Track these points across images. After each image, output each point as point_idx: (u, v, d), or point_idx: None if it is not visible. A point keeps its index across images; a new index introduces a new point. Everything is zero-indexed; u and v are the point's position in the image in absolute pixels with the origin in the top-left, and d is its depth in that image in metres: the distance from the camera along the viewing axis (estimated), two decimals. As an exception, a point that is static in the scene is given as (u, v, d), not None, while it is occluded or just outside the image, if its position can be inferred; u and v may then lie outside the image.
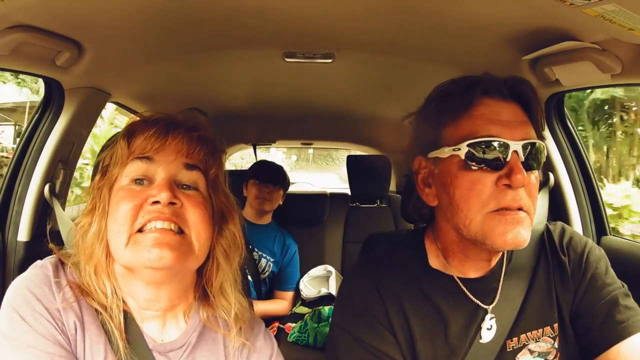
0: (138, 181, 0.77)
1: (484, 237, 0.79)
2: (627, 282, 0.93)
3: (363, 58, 1.62)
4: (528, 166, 0.80)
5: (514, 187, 0.77)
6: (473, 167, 0.79)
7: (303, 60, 1.57)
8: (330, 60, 1.56)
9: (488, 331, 0.87)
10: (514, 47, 1.26)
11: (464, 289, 0.89)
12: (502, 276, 0.91)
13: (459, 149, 0.79)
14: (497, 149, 0.78)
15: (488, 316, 0.88)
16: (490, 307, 0.88)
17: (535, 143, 0.81)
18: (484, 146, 0.78)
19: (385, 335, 0.86)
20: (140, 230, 0.73)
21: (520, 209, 0.78)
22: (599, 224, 1.56)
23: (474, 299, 0.89)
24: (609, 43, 1.08)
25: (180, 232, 0.75)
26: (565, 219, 1.56)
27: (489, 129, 0.79)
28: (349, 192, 2.96)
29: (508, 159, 0.78)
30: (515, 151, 0.78)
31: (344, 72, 1.77)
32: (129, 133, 0.80)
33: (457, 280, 0.89)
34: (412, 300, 0.88)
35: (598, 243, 1.54)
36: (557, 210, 1.56)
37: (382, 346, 0.85)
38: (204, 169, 0.81)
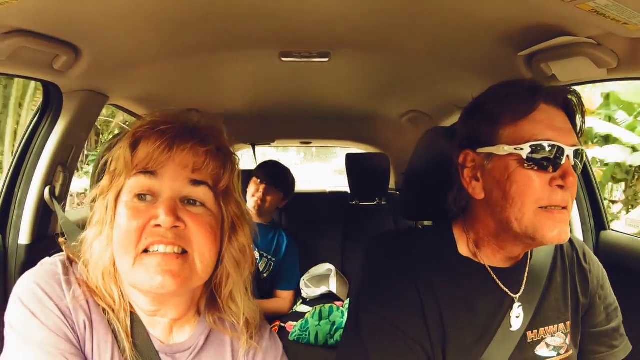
0: (142, 196, 0.74)
1: (535, 230, 0.84)
2: (625, 276, 0.94)
3: (359, 57, 1.62)
4: (574, 170, 0.86)
5: (566, 187, 0.84)
6: (532, 166, 0.85)
7: (299, 60, 1.57)
8: (326, 59, 1.57)
9: (517, 319, 0.92)
10: (509, 44, 1.26)
11: (494, 277, 0.94)
12: (527, 269, 0.97)
13: (522, 149, 0.85)
14: (555, 152, 0.84)
15: (516, 304, 0.93)
16: (517, 296, 0.94)
17: (582, 150, 0.88)
18: (544, 148, 0.84)
19: (416, 322, 0.89)
20: (145, 250, 0.72)
21: (565, 207, 0.86)
22: (597, 219, 1.57)
23: (503, 287, 0.93)
24: (605, 38, 1.07)
25: (184, 251, 0.73)
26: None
27: (547, 134, 0.85)
28: (347, 189, 2.96)
29: (563, 162, 0.85)
30: (568, 155, 0.85)
31: (340, 71, 1.78)
32: (134, 142, 0.76)
33: (488, 268, 0.94)
34: (444, 286, 0.92)
35: (597, 238, 1.55)
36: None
37: (412, 332, 0.89)
38: (212, 183, 0.78)
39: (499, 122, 0.88)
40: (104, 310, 0.75)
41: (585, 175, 1.59)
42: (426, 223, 1.25)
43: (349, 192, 2.95)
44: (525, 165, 0.85)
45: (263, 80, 2.01)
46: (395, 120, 2.57)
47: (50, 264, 0.76)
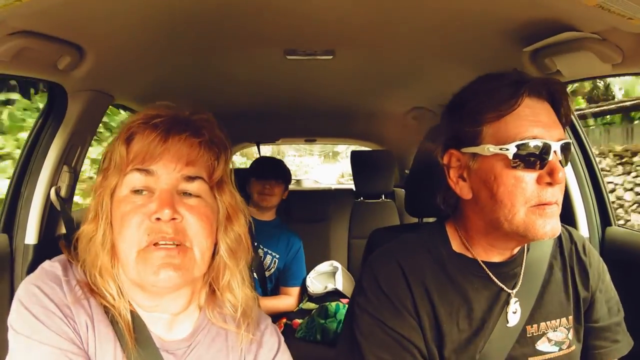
0: (138, 191, 0.75)
1: (525, 229, 0.83)
2: (631, 272, 0.93)
3: (363, 54, 1.62)
4: (561, 164, 0.84)
5: (554, 184, 0.82)
6: (518, 165, 0.82)
7: (304, 57, 1.57)
8: (330, 57, 1.56)
9: (514, 314, 0.92)
10: (514, 39, 1.25)
11: (488, 272, 0.92)
12: (524, 263, 0.96)
13: (507, 149, 0.82)
14: (541, 149, 0.82)
15: (512, 300, 0.92)
16: (514, 291, 0.93)
17: (569, 143, 0.86)
18: (530, 147, 0.82)
19: (408, 321, 0.89)
20: (147, 246, 0.73)
21: (555, 202, 0.84)
22: (603, 214, 1.56)
23: (497, 281, 0.92)
24: (609, 33, 1.06)
25: (184, 244, 0.74)
26: (570, 210, 1.56)
27: (533, 131, 0.83)
28: (353, 187, 2.96)
29: (550, 159, 0.82)
30: (555, 151, 0.83)
31: (344, 68, 1.77)
32: (128, 137, 0.77)
33: (482, 263, 0.93)
34: (437, 283, 0.91)
35: (602, 234, 1.55)
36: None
37: (405, 331, 0.88)
38: (207, 176, 0.78)
39: (482, 121, 0.85)
40: (105, 310, 0.76)
41: (591, 171, 1.58)
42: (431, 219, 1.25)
43: (354, 189, 2.95)
44: (512, 165, 0.82)
45: (268, 78, 2.01)
46: (400, 117, 2.56)
47: (50, 266, 0.77)
